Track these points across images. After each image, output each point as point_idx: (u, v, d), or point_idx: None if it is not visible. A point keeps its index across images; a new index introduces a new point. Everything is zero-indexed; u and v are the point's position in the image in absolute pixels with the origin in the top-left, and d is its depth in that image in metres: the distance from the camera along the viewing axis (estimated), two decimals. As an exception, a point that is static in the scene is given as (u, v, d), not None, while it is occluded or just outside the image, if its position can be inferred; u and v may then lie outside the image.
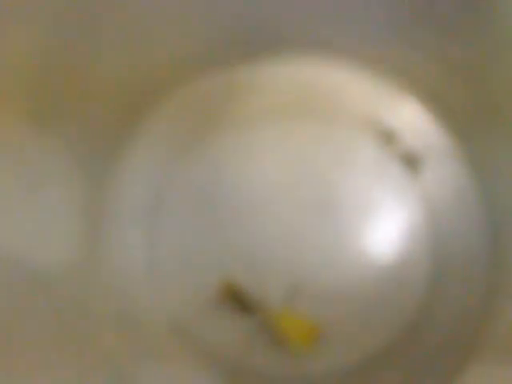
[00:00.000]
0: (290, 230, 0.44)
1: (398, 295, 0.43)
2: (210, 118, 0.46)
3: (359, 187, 0.45)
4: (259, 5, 0.42)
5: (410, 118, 0.46)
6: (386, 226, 0.44)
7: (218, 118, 0.46)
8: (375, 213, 0.44)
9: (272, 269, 0.43)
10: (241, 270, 0.43)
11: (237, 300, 0.43)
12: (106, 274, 0.42)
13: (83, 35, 0.37)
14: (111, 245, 0.43)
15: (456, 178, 0.44)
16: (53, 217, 0.39)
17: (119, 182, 0.44)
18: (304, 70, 0.46)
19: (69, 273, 0.40)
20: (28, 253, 0.36)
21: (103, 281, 0.42)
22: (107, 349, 0.40)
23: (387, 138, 0.46)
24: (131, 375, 0.40)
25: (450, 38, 0.41)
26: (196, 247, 0.44)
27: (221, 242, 0.44)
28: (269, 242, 0.44)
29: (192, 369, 0.41)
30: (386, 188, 0.45)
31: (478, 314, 0.41)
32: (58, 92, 0.38)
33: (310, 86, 0.46)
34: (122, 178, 0.44)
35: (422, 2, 0.40)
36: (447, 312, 0.42)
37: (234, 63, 0.46)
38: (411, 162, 0.46)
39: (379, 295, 0.43)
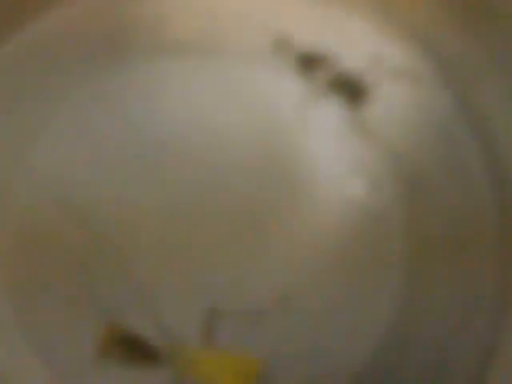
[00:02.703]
0: (195, 223, 0.28)
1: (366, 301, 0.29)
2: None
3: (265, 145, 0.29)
4: None
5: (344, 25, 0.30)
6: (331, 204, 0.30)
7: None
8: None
9: (176, 291, 0.28)
10: (129, 305, 0.27)
11: (130, 351, 0.27)
12: None
13: None
14: None
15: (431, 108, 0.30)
16: None
17: None
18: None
19: None
20: None
21: None
22: None
23: (306, 61, 0.31)
24: None
25: None
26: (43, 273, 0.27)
27: (88, 257, 0.27)
28: (166, 247, 0.28)
29: None
30: (320, 136, 0.30)
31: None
32: None
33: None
34: None
35: None
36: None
37: None
38: (351, 91, 0.31)
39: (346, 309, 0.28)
